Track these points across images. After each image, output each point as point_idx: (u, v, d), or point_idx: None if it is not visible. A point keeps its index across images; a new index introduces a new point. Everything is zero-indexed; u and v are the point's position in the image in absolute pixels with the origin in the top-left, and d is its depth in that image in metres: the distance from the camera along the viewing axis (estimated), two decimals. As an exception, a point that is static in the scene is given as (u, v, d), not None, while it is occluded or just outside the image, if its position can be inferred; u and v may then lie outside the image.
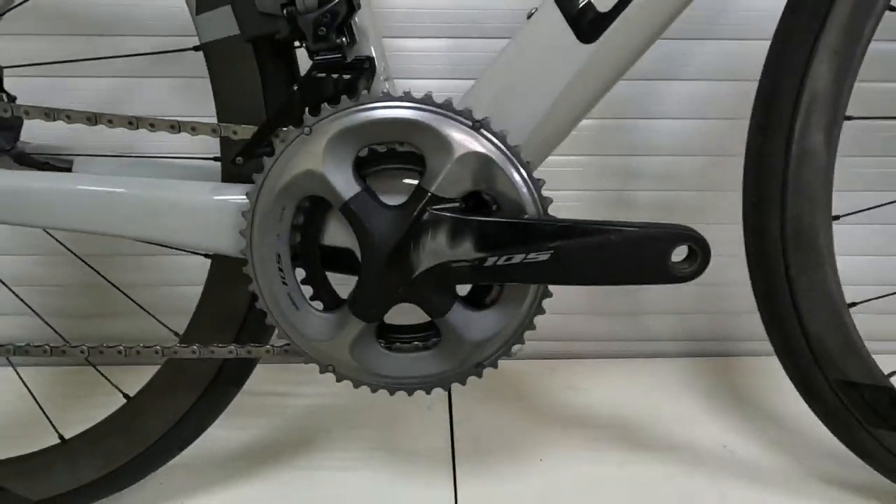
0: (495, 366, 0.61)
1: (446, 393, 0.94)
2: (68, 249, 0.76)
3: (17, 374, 0.76)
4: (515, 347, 0.60)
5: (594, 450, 0.85)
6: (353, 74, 0.54)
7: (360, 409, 0.91)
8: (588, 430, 0.89)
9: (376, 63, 0.57)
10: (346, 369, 0.60)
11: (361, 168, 0.56)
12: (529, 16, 0.57)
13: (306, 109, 0.54)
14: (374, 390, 0.62)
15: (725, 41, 0.91)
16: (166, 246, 0.61)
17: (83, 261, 0.77)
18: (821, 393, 0.68)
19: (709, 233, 0.58)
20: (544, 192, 0.56)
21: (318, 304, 0.60)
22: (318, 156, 0.53)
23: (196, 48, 0.58)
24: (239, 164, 0.56)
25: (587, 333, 1.06)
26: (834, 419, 0.70)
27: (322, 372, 0.61)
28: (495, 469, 0.82)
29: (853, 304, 0.66)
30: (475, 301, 0.60)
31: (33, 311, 0.77)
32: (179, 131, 0.55)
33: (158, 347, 0.62)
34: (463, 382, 0.61)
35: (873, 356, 0.67)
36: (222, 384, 0.68)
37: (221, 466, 0.81)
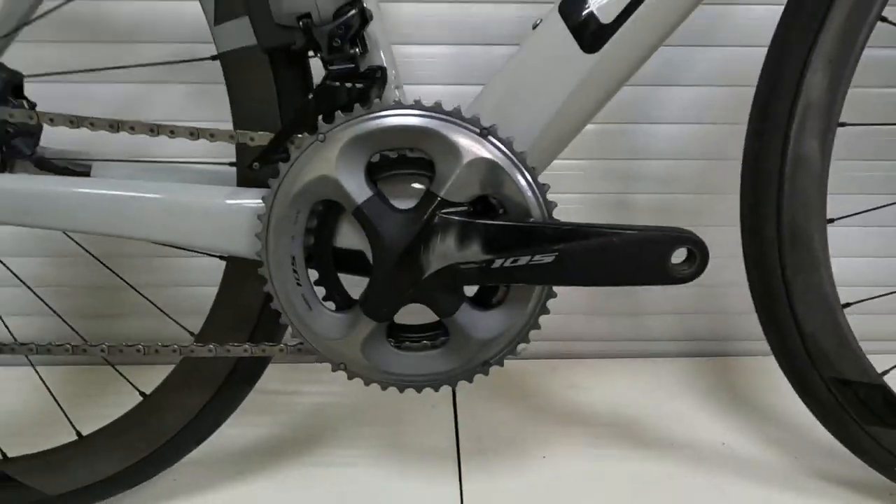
0: (501, 364, 0.62)
1: (451, 392, 0.95)
2: (87, 252, 0.77)
3: (37, 372, 0.77)
4: (521, 346, 0.61)
5: (596, 447, 0.86)
6: (366, 83, 0.55)
7: (367, 407, 0.93)
8: (589, 427, 0.90)
9: (388, 72, 0.59)
10: (358, 367, 0.62)
11: (373, 173, 0.58)
12: (535, 26, 0.58)
13: (320, 117, 0.56)
14: (384, 388, 0.63)
15: (724, 48, 0.92)
16: (183, 248, 0.62)
17: (102, 263, 0.78)
18: (816, 391, 0.69)
19: (707, 235, 0.59)
20: (549, 196, 0.57)
21: (331, 305, 0.61)
22: (331, 162, 0.55)
23: (213, 57, 0.60)
24: (256, 169, 0.57)
25: (589, 333, 1.07)
26: (829, 417, 0.71)
27: (334, 370, 0.62)
28: (499, 465, 0.83)
29: (847, 305, 0.67)
30: (482, 301, 0.61)
31: (55, 312, 0.79)
32: (198, 138, 0.57)
33: (176, 346, 0.64)
34: (470, 380, 0.62)
35: (867, 355, 0.68)
36: (236, 382, 0.70)
37: (232, 462, 0.82)
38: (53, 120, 0.57)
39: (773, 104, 0.62)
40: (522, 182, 0.55)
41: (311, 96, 0.56)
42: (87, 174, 0.68)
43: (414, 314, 0.62)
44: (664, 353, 1.08)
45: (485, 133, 0.55)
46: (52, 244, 0.97)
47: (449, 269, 0.57)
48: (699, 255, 0.56)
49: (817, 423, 0.72)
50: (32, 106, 0.69)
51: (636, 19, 0.55)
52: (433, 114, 0.55)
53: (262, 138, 0.58)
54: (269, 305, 0.61)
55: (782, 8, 0.62)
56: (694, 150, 0.98)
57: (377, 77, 0.57)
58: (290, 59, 0.59)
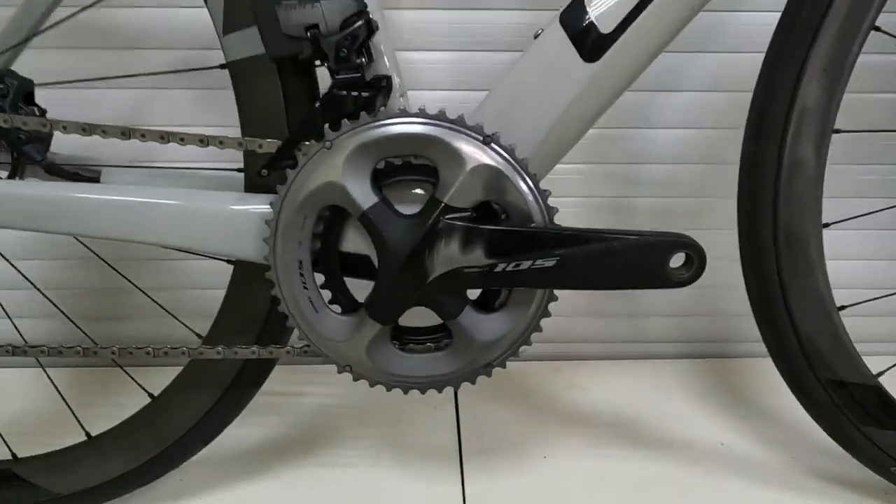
0: (504, 365, 0.63)
1: (452, 393, 0.96)
2: (98, 256, 0.78)
3: (47, 374, 0.78)
4: (522, 348, 0.62)
5: (596, 447, 0.86)
6: (372, 92, 0.56)
7: (370, 408, 0.93)
8: (590, 428, 0.90)
9: (392, 80, 0.60)
10: (363, 369, 0.63)
11: (378, 179, 0.58)
12: (536, 35, 0.59)
13: (327, 125, 0.57)
14: (388, 389, 0.64)
15: (722, 54, 0.93)
16: (192, 252, 0.63)
17: (113, 268, 0.79)
18: (813, 392, 0.70)
19: (706, 238, 0.60)
20: (550, 202, 0.58)
21: (337, 308, 0.62)
22: (338, 168, 0.56)
23: (222, 66, 0.61)
24: (264, 175, 0.58)
25: (589, 335, 1.08)
26: (826, 417, 0.71)
27: (340, 371, 0.63)
28: (501, 465, 0.83)
29: (843, 307, 0.68)
30: (485, 304, 0.62)
31: (65, 315, 0.79)
32: (208, 145, 0.58)
33: (185, 348, 0.65)
34: (473, 381, 0.63)
35: (863, 357, 0.69)
36: (243, 384, 0.71)
37: (238, 462, 0.83)
38: (66, 127, 0.58)
39: (769, 111, 0.63)
40: (524, 188, 0.56)
41: (318, 105, 0.57)
42: (96, 180, 0.69)
43: (418, 317, 0.63)
44: (663, 355, 1.08)
45: (488, 140, 0.56)
46: (54, 247, 0.98)
47: (453, 273, 0.58)
48: (697, 260, 0.57)
49: (814, 423, 0.72)
50: (43, 112, 0.71)
51: (635, 29, 0.57)
52: (437, 122, 0.56)
53: (270, 145, 0.59)
54: (276, 308, 0.62)
55: (778, 15, 0.63)
56: (693, 154, 0.98)
57: (382, 86, 0.58)
58: (298, 68, 0.60)
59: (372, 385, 0.64)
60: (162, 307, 0.77)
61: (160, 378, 0.72)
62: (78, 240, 0.70)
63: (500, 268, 0.57)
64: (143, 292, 0.77)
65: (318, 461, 0.84)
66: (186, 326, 0.73)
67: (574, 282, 0.58)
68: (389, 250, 0.57)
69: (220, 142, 0.58)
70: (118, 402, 0.75)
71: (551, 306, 0.61)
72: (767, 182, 0.64)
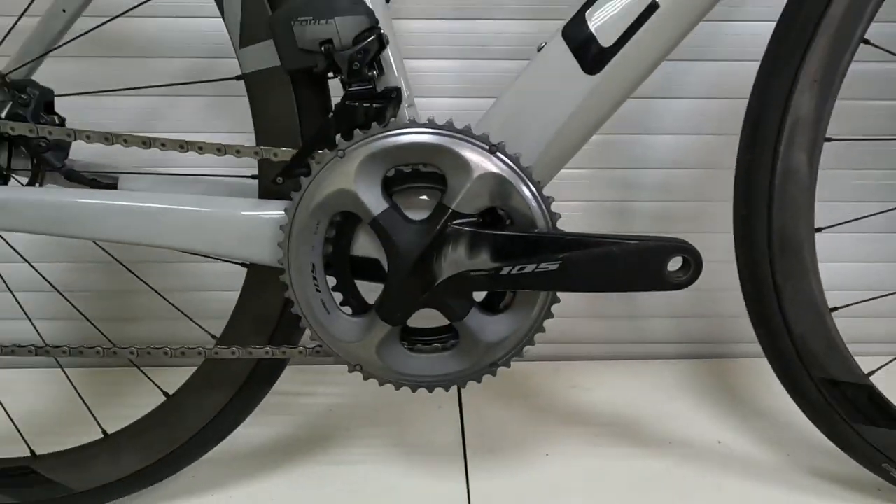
0: (508, 365, 0.64)
1: (456, 393, 0.97)
2: (117, 260, 0.80)
3: (65, 374, 0.80)
4: (526, 348, 0.64)
5: (596, 445, 0.88)
6: (383, 103, 0.58)
7: (377, 408, 0.94)
8: (591, 426, 0.92)
9: (402, 91, 0.62)
10: (373, 368, 0.64)
11: (388, 186, 0.61)
12: (539, 48, 0.62)
13: (339, 134, 0.59)
14: (397, 388, 0.65)
15: (719, 62, 0.94)
16: (208, 256, 0.65)
17: (131, 271, 0.81)
18: (806, 391, 0.71)
19: (703, 241, 0.62)
20: (553, 208, 0.60)
21: (348, 309, 0.64)
22: (350, 176, 0.58)
23: (238, 77, 0.63)
24: (279, 183, 0.61)
25: (590, 337, 1.09)
26: (819, 415, 0.73)
27: (350, 371, 0.65)
28: (504, 463, 0.85)
29: (835, 309, 0.70)
30: (490, 306, 0.64)
31: (84, 317, 0.81)
32: (225, 153, 0.60)
33: (202, 348, 0.67)
34: (479, 380, 0.65)
35: (855, 357, 0.70)
36: (256, 383, 0.72)
37: (248, 460, 0.84)
38: (90, 137, 0.60)
39: (763, 120, 0.65)
40: (528, 195, 0.58)
41: (331, 115, 0.59)
42: (114, 186, 0.71)
43: (426, 318, 0.64)
44: (662, 355, 1.09)
45: (493, 149, 0.58)
46: (59, 249, 1.00)
47: (460, 276, 0.60)
48: (693, 263, 0.59)
49: (809, 421, 0.74)
50: (62, 121, 0.73)
51: (635, 43, 0.59)
52: (445, 132, 0.58)
53: (284, 154, 0.61)
54: (289, 310, 0.64)
55: (773, 26, 0.65)
56: (691, 159, 1.00)
57: (393, 97, 0.60)
58: (311, 80, 0.62)
59: (381, 384, 0.66)
60: (178, 309, 0.79)
61: (172, 378, 0.74)
62: (97, 244, 0.72)
63: (505, 271, 0.59)
64: (161, 295, 0.79)
65: (326, 459, 0.86)
66: (201, 327, 0.75)
67: (576, 284, 0.60)
68: (399, 254, 0.59)
69: (238, 150, 0.60)
70: (129, 402, 0.77)
71: (554, 308, 0.63)
72: (762, 188, 0.66)
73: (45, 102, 0.70)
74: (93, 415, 0.76)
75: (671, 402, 0.98)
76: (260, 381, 0.73)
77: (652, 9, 0.58)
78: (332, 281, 0.64)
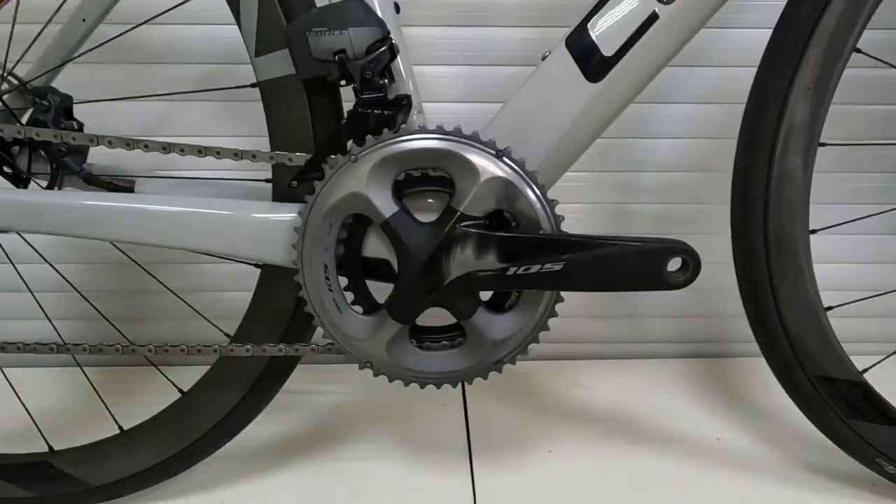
0: (514, 362, 0.66)
1: (461, 391, 0.99)
2: (133, 261, 0.81)
3: (84, 372, 0.82)
4: (531, 345, 0.66)
5: (598, 442, 0.89)
6: (394, 110, 0.60)
7: (384, 405, 0.96)
8: (593, 424, 0.93)
9: (412, 98, 0.64)
10: (383, 365, 0.66)
11: (399, 190, 0.63)
12: (544, 57, 0.64)
13: (351, 140, 0.61)
14: (406, 384, 0.67)
15: (717, 67, 0.96)
16: (222, 257, 0.67)
17: (149, 273, 0.83)
18: (802, 388, 0.73)
19: (702, 242, 0.63)
20: (557, 210, 0.62)
21: (359, 308, 0.66)
22: (362, 180, 0.60)
23: (253, 85, 0.65)
24: (294, 186, 0.63)
25: (591, 336, 1.10)
26: (815, 412, 0.74)
27: (361, 368, 0.67)
28: (508, 460, 0.86)
29: (830, 308, 0.71)
30: (496, 305, 0.66)
31: (104, 316, 0.83)
32: (241, 158, 0.62)
33: (217, 346, 0.69)
34: (485, 377, 0.67)
35: (850, 355, 0.72)
36: (267, 381, 0.74)
37: (258, 456, 0.86)
38: (112, 143, 0.62)
39: (760, 125, 0.67)
40: (533, 198, 0.60)
41: (343, 121, 0.61)
42: (130, 189, 0.73)
43: (434, 317, 0.66)
44: (662, 355, 1.11)
45: (500, 154, 0.60)
46: (72, 250, 1.01)
47: (467, 277, 0.61)
48: (692, 264, 0.61)
49: (805, 418, 0.75)
50: (80, 126, 0.75)
51: (636, 52, 0.61)
52: (454, 137, 0.60)
53: (299, 159, 0.63)
54: (301, 309, 0.66)
55: (770, 32, 0.66)
56: (690, 162, 1.01)
57: (403, 104, 0.62)
58: (324, 88, 0.64)
59: (391, 380, 0.68)
60: (193, 308, 0.81)
61: (183, 378, 0.76)
62: (115, 245, 0.74)
63: (511, 271, 0.61)
64: (177, 295, 0.81)
65: (335, 456, 0.87)
66: (216, 326, 0.76)
67: (579, 284, 0.61)
68: (409, 255, 0.61)
69: (254, 156, 0.62)
70: (143, 399, 0.79)
71: (557, 307, 0.64)
72: (758, 191, 0.67)
73: (64, 108, 0.72)
74: (109, 411, 0.77)
75: (671, 400, 0.99)
76: (271, 379, 0.75)
77: (652, 19, 0.60)
78: (343, 281, 0.65)
